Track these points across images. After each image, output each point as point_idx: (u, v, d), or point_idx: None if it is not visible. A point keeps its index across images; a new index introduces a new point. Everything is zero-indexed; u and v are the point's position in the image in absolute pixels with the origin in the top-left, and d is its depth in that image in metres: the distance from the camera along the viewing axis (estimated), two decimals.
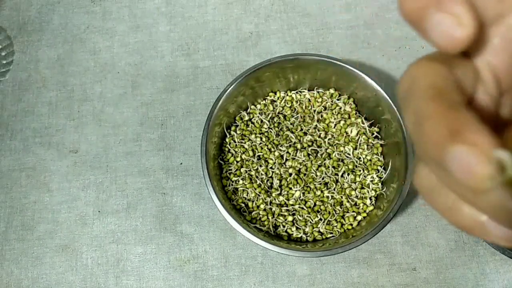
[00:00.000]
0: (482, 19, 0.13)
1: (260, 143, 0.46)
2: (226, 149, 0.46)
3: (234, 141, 0.46)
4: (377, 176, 0.45)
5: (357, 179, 0.44)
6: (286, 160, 0.45)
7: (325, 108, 0.48)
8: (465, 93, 0.14)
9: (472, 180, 0.11)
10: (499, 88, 0.15)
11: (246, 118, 0.47)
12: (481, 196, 0.11)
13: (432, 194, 0.14)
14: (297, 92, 0.49)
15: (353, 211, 0.43)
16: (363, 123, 0.47)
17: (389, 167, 0.44)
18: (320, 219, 0.43)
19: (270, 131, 0.46)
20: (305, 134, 0.46)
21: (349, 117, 0.47)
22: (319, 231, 0.43)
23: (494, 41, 0.14)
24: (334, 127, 0.47)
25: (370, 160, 0.45)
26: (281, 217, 0.43)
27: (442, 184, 0.13)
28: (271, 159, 0.45)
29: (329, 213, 0.43)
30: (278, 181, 0.45)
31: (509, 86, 0.15)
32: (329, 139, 0.46)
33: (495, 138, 0.11)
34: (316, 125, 0.47)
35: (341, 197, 0.44)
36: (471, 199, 0.12)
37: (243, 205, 0.44)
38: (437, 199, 0.14)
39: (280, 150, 0.46)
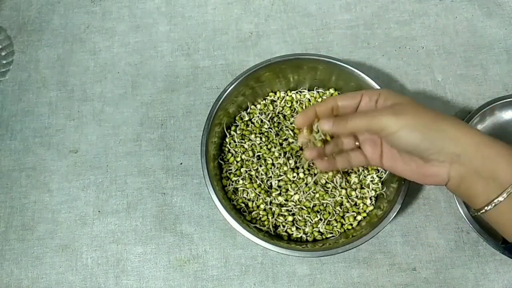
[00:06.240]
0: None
1: (260, 143, 0.46)
2: (226, 149, 0.46)
3: (234, 141, 0.46)
4: (377, 176, 0.45)
5: (357, 179, 0.44)
6: None
7: None
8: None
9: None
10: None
11: (246, 118, 0.47)
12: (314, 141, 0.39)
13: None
14: (297, 92, 0.49)
15: (353, 211, 0.43)
16: None
17: None
18: (320, 219, 0.43)
19: (270, 131, 0.46)
20: None
21: None
22: (319, 231, 0.43)
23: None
24: None
25: None
26: (281, 217, 0.43)
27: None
28: (271, 159, 0.45)
29: (329, 213, 0.43)
30: (277, 181, 0.44)
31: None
32: None
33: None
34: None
35: (341, 197, 0.44)
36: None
37: (243, 205, 0.44)
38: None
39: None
